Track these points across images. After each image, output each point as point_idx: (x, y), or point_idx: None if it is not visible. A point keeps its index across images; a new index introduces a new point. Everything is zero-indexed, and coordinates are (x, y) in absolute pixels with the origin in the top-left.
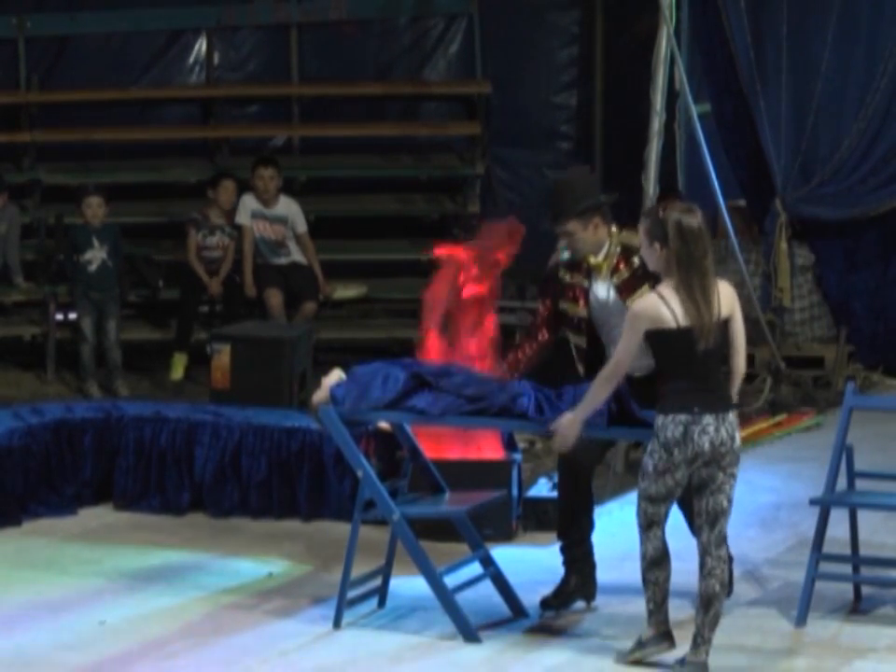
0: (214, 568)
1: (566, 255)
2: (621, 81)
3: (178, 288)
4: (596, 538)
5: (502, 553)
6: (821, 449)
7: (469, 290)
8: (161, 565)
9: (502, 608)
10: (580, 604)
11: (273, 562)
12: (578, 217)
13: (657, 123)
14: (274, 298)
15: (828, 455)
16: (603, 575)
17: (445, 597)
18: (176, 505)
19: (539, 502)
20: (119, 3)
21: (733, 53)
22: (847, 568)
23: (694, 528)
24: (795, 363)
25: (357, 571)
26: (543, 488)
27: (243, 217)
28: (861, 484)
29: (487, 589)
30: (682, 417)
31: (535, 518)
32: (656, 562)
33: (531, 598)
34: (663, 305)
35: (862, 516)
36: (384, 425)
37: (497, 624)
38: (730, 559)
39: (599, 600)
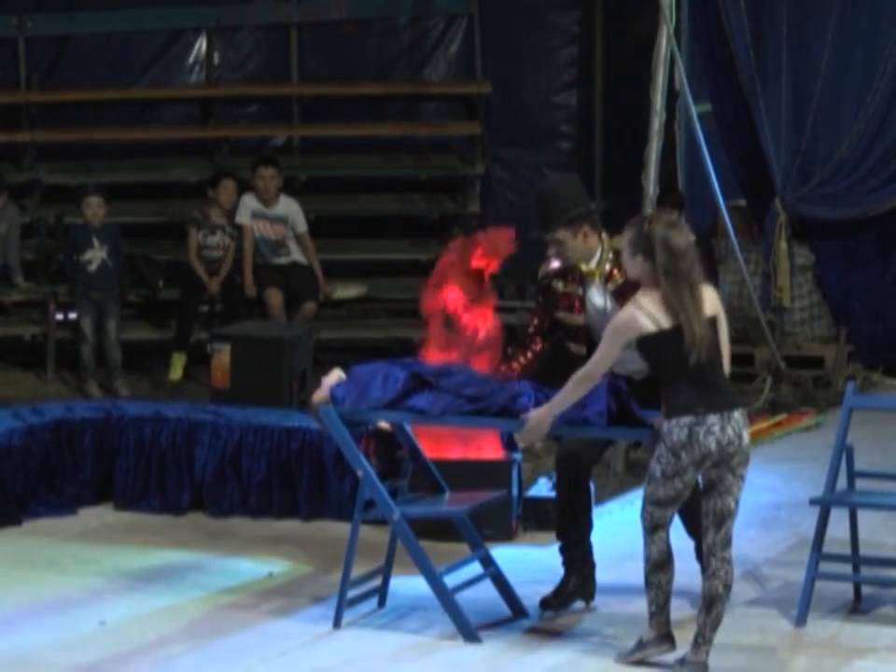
0: (214, 568)
1: (555, 263)
2: (621, 81)
3: (178, 288)
4: (596, 537)
5: (502, 553)
6: (821, 449)
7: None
8: (161, 565)
9: (502, 608)
10: (579, 604)
11: (273, 562)
12: (566, 226)
13: (657, 123)
14: (274, 297)
15: (828, 455)
16: (603, 575)
17: (445, 597)
18: (176, 505)
19: (539, 502)
20: (119, 3)
21: (733, 53)
22: (847, 568)
23: (691, 529)
24: (795, 363)
25: (356, 571)
26: (543, 488)
27: (243, 217)
28: (861, 484)
29: (487, 589)
30: (686, 419)
31: (535, 518)
32: (660, 565)
33: (531, 598)
34: (641, 315)
35: (862, 516)
36: (384, 424)
37: (496, 624)
38: None
39: (599, 600)
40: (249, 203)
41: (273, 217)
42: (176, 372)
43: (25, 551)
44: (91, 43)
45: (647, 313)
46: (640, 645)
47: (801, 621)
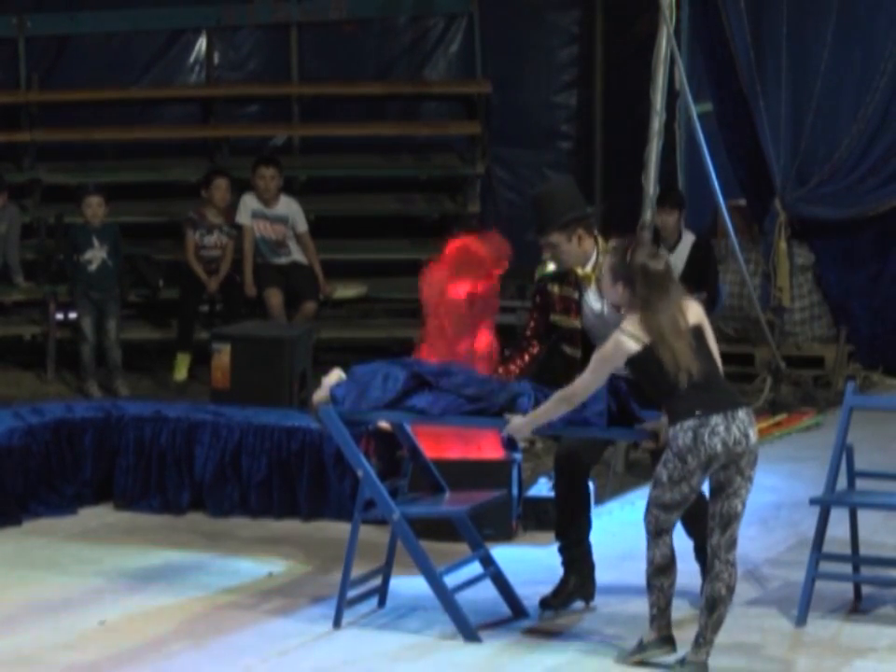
0: (214, 568)
1: (550, 267)
2: (621, 81)
3: (178, 288)
4: (596, 537)
5: (502, 553)
6: (821, 449)
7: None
8: (161, 564)
9: (502, 608)
10: (579, 604)
11: (273, 562)
12: (561, 230)
13: (657, 123)
14: (275, 297)
15: (828, 455)
16: (603, 575)
17: (445, 597)
18: (176, 505)
19: (539, 502)
20: (119, 2)
21: (733, 53)
22: (847, 568)
23: (690, 530)
24: (795, 363)
25: (356, 571)
26: (543, 488)
27: (243, 217)
28: (861, 484)
29: (487, 589)
30: (689, 423)
31: (535, 518)
32: (663, 569)
33: (531, 598)
34: (625, 339)
35: (862, 516)
36: (384, 424)
37: (496, 624)
38: None
39: (599, 600)
40: (249, 202)
41: (273, 217)
42: (181, 373)
43: (25, 551)
44: (91, 43)
45: (629, 334)
46: (641, 646)
47: (801, 621)
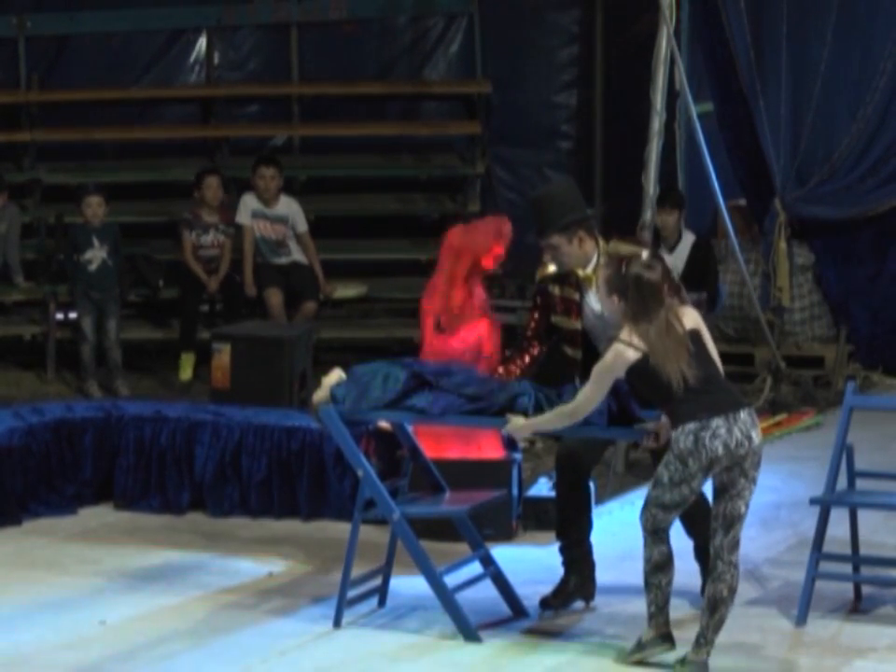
0: (214, 568)
1: (551, 268)
2: (621, 81)
3: (178, 288)
4: (596, 537)
5: (502, 553)
6: (821, 448)
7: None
8: (161, 564)
9: (502, 607)
10: (579, 604)
11: (273, 562)
12: (562, 232)
13: (657, 123)
14: (275, 297)
15: (828, 455)
16: (603, 575)
17: (445, 597)
18: (176, 505)
19: (540, 502)
20: (119, 2)
21: (733, 53)
22: (847, 568)
23: (690, 530)
24: (795, 363)
25: (356, 571)
26: (543, 488)
27: (243, 217)
28: (861, 484)
29: (487, 589)
30: (691, 426)
31: (535, 518)
32: (660, 566)
33: (531, 598)
34: (624, 349)
35: (862, 516)
36: (384, 424)
37: (496, 624)
38: None
39: (599, 600)
40: (249, 202)
41: (273, 217)
42: (186, 373)
43: (25, 551)
44: (91, 43)
45: (628, 343)
46: (640, 645)
47: (801, 621)
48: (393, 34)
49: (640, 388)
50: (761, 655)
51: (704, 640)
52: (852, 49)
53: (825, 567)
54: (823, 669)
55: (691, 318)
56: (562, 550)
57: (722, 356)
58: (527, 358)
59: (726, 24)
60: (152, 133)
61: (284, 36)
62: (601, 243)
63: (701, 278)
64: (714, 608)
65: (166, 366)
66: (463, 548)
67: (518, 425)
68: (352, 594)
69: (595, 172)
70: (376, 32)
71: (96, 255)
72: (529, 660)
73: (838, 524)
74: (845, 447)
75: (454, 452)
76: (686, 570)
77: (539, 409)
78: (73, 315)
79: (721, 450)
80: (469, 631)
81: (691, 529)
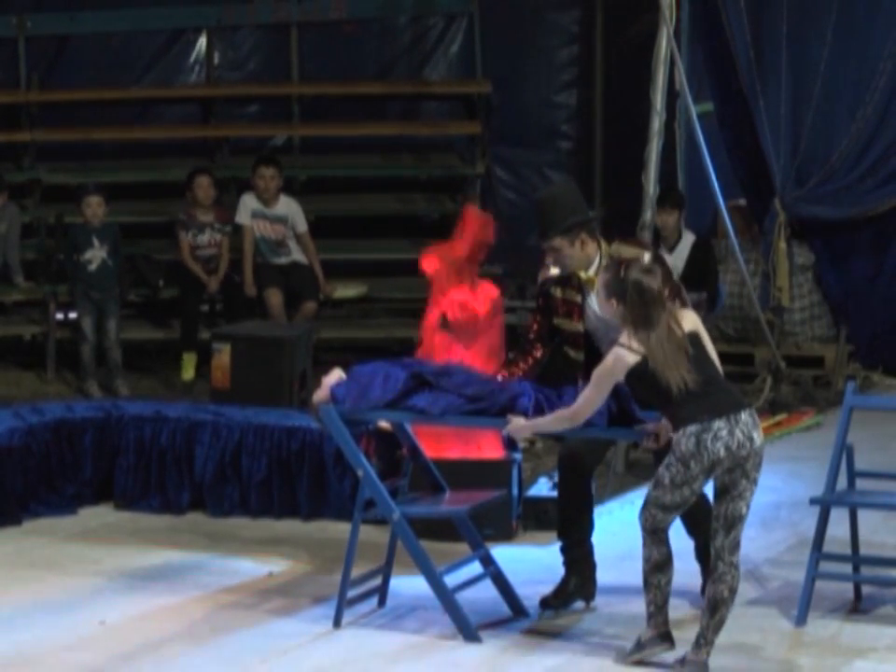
0: (214, 568)
1: (553, 271)
2: (621, 81)
3: (178, 288)
4: (597, 537)
5: (502, 553)
6: (821, 448)
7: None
8: (161, 564)
9: (502, 607)
10: (579, 604)
11: (273, 562)
12: (564, 234)
13: (657, 123)
14: (275, 297)
15: (828, 455)
16: (603, 575)
17: (445, 597)
18: (176, 505)
19: (539, 502)
20: (119, 2)
21: (733, 53)
22: (847, 568)
23: (691, 530)
24: (795, 363)
25: (356, 571)
26: (543, 488)
27: (243, 217)
28: (861, 484)
29: (487, 589)
30: (692, 428)
31: (535, 518)
32: (659, 566)
33: (531, 598)
34: (624, 353)
35: (862, 516)
36: (384, 424)
37: (496, 624)
38: None
39: (599, 600)
40: (249, 202)
41: (272, 217)
42: (189, 372)
43: (25, 551)
44: (91, 43)
45: (627, 347)
46: (639, 645)
47: (801, 621)
48: (393, 34)
49: (640, 392)
50: (761, 655)
51: (704, 641)
52: (852, 48)
53: (825, 566)
54: (823, 669)
55: (689, 321)
56: (563, 550)
57: (722, 356)
58: (530, 361)
59: (726, 24)
60: (152, 133)
61: (284, 36)
62: (603, 245)
63: (701, 278)
64: (714, 608)
65: (166, 366)
66: (463, 548)
67: (519, 425)
68: (352, 594)
69: (595, 172)
70: (376, 32)
71: (96, 255)
72: (529, 660)
73: (838, 524)
74: (845, 447)
75: (454, 452)
76: (686, 570)
77: (538, 409)
78: (73, 315)
79: (722, 452)
80: (469, 631)
81: (692, 529)
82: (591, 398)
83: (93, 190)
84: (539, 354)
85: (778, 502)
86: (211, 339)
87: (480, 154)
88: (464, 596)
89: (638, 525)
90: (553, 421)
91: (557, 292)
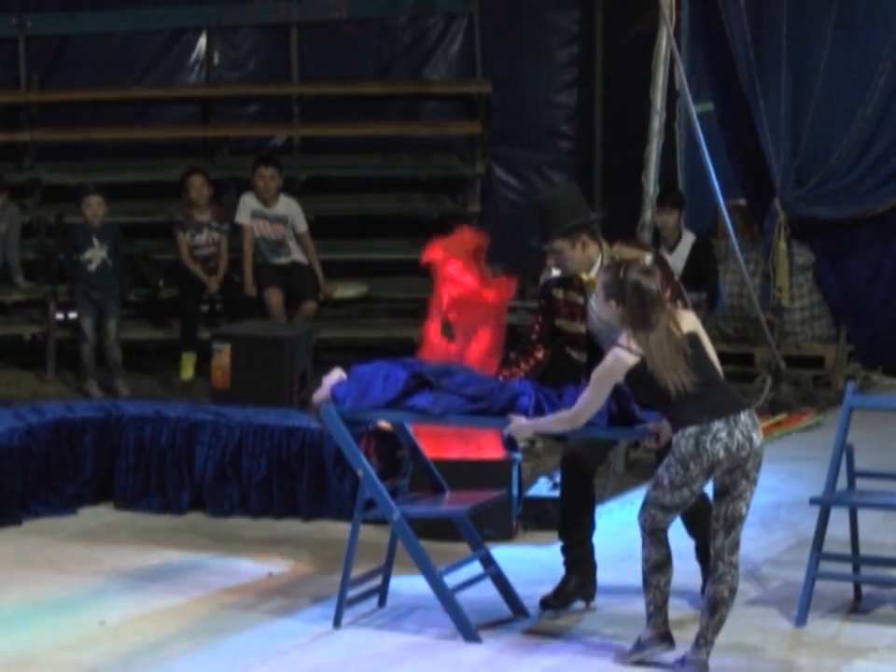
0: (214, 568)
1: (554, 272)
2: (621, 81)
3: (178, 288)
4: (597, 537)
5: (502, 553)
6: (821, 448)
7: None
8: (161, 564)
9: (502, 607)
10: (579, 604)
11: (273, 562)
12: (565, 236)
13: (657, 123)
14: (275, 297)
15: (828, 455)
16: (603, 575)
17: (445, 597)
18: (176, 505)
19: (540, 502)
20: (119, 2)
21: (733, 53)
22: (847, 568)
23: (692, 530)
24: (795, 362)
25: (356, 571)
26: (543, 488)
27: (243, 217)
28: (861, 484)
29: (487, 589)
30: (691, 430)
31: (535, 518)
32: (658, 566)
33: (531, 598)
34: (623, 353)
35: (862, 516)
36: (384, 424)
37: (496, 624)
38: None
39: (599, 600)
40: (249, 202)
41: (272, 217)
42: (188, 372)
43: (25, 550)
44: (91, 43)
45: (626, 348)
46: (639, 645)
47: (801, 621)
48: (393, 34)
49: (640, 392)
50: (761, 655)
51: (704, 641)
52: (852, 48)
53: (825, 566)
54: (823, 669)
55: (688, 322)
56: (564, 550)
57: (722, 356)
58: (532, 362)
59: (726, 24)
60: (152, 132)
61: (284, 36)
62: (604, 246)
63: (701, 278)
64: (714, 608)
65: (166, 366)
66: (463, 548)
67: (520, 424)
68: (352, 594)
69: (594, 172)
70: (376, 32)
71: (96, 255)
72: (529, 660)
73: (838, 524)
74: (845, 447)
75: (454, 452)
76: (686, 570)
77: (539, 409)
78: (73, 315)
79: (722, 453)
80: (468, 631)
81: (693, 529)
82: (590, 399)
83: (93, 190)
84: (540, 355)
85: (778, 502)
86: (211, 339)
87: (480, 154)
88: (464, 596)
89: (638, 526)
90: (554, 422)
91: (559, 293)
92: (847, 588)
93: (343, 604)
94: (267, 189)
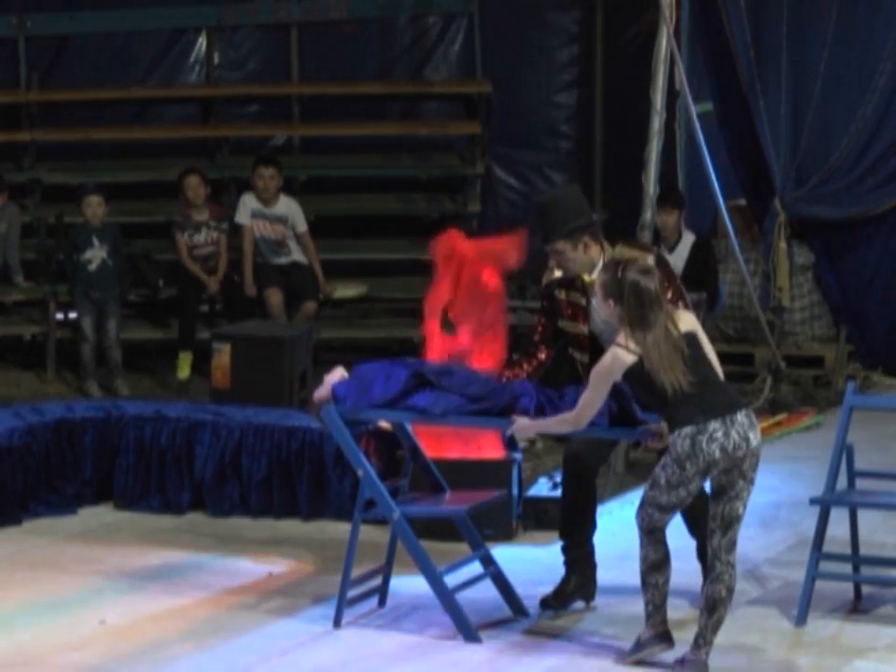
0: (214, 568)
1: (556, 274)
2: (621, 81)
3: (177, 288)
4: (597, 537)
5: (502, 553)
6: (821, 448)
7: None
8: (161, 564)
9: (502, 607)
10: (579, 604)
11: (273, 562)
12: (567, 237)
13: (657, 123)
14: (275, 297)
15: (828, 455)
16: (603, 574)
17: (445, 597)
18: (176, 505)
19: (540, 502)
20: (119, 2)
21: (733, 53)
22: (847, 568)
23: (693, 530)
24: (795, 362)
25: (357, 571)
26: (543, 488)
27: (242, 217)
28: (861, 484)
29: (487, 589)
30: (688, 430)
31: (535, 517)
32: (656, 566)
33: (531, 598)
34: (621, 352)
35: (862, 515)
36: (384, 424)
37: (496, 624)
38: None
39: (599, 600)
40: (249, 202)
41: (272, 217)
42: (184, 371)
43: (25, 550)
44: (91, 43)
45: (624, 347)
46: (638, 645)
47: (801, 621)
48: (393, 34)
49: (637, 392)
50: (761, 655)
51: (703, 640)
52: (852, 49)
53: (825, 566)
54: (823, 669)
55: (686, 321)
56: (564, 550)
57: (722, 356)
58: (534, 363)
59: (726, 24)
60: (152, 132)
61: (284, 36)
62: (606, 247)
63: (701, 278)
64: (713, 608)
65: (166, 366)
66: (463, 548)
67: (523, 425)
68: (352, 594)
69: (595, 172)
70: (376, 32)
71: (96, 255)
72: (529, 660)
73: (838, 524)
74: (845, 447)
75: (454, 452)
76: (686, 570)
77: (540, 410)
78: (73, 315)
79: (718, 453)
80: (469, 631)
81: (694, 529)
82: (590, 399)
83: (93, 190)
84: (543, 356)
85: (778, 502)
86: (211, 339)
87: (480, 154)
88: (464, 596)
89: (635, 525)
90: (557, 423)
91: (562, 295)
92: (847, 588)
93: (342, 604)
94: (267, 188)
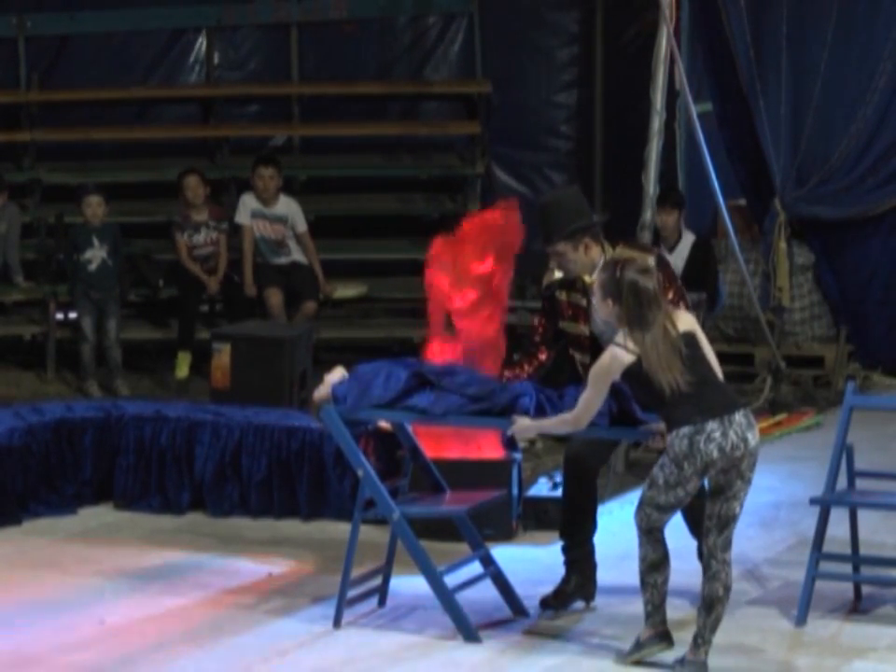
0: (214, 568)
1: (557, 275)
2: (621, 81)
3: (177, 288)
4: (597, 537)
5: (502, 553)
6: (821, 448)
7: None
8: (161, 565)
9: (502, 607)
10: (579, 604)
11: (273, 562)
12: (567, 239)
13: (657, 123)
14: (275, 297)
15: (828, 455)
16: (603, 574)
17: (445, 597)
18: (176, 505)
19: (540, 502)
20: (119, 2)
21: (733, 53)
22: (847, 568)
23: (694, 530)
24: (795, 362)
25: (356, 571)
26: (543, 488)
27: (242, 217)
28: (861, 484)
29: (487, 589)
30: (685, 430)
31: (535, 518)
32: (655, 565)
33: (531, 598)
34: (619, 352)
35: (862, 516)
36: (384, 424)
37: (496, 624)
38: None
39: (599, 600)
40: (249, 202)
41: (272, 217)
42: (183, 371)
43: (25, 550)
44: (91, 43)
45: (623, 347)
46: (638, 645)
47: (801, 621)
48: (393, 34)
49: (636, 391)
50: (761, 655)
51: (701, 640)
52: (852, 49)
53: (825, 566)
54: (823, 669)
55: (685, 321)
56: (565, 550)
57: (722, 356)
58: (535, 363)
59: (726, 24)
60: (152, 132)
61: (284, 36)
62: (607, 248)
63: (701, 278)
64: (710, 607)
65: (166, 366)
66: (463, 548)
67: (523, 425)
68: (352, 594)
69: (595, 172)
70: (376, 32)
71: (96, 255)
72: (529, 660)
73: (838, 524)
74: (845, 447)
75: (454, 452)
76: (685, 570)
77: (540, 410)
78: (73, 315)
79: (715, 453)
80: (469, 631)
81: (695, 529)
82: (590, 399)
83: (93, 190)
84: (543, 357)
85: (778, 502)
86: (211, 339)
87: (480, 154)
88: (464, 596)
89: (634, 525)
90: (557, 423)
91: (563, 296)
92: (847, 588)
93: (342, 604)
94: (267, 188)
